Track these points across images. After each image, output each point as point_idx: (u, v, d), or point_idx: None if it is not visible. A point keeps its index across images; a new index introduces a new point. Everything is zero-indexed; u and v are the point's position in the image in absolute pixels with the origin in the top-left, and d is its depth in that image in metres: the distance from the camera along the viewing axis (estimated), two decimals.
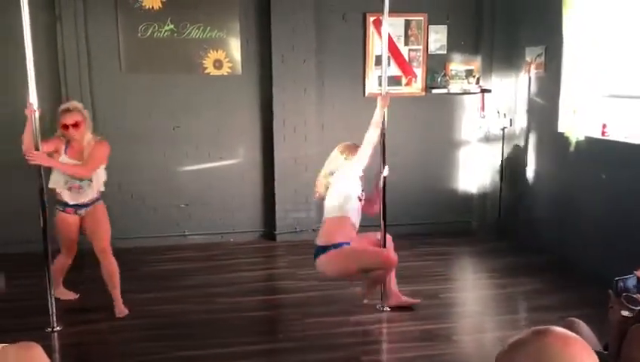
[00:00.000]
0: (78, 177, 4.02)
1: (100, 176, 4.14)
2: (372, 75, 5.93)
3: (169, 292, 4.60)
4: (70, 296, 4.40)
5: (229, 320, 4.12)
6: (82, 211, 4.13)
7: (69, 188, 4.04)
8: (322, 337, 3.88)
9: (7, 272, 1.76)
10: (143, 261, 5.38)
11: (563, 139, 5.06)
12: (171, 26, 5.56)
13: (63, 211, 4.09)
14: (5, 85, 5.22)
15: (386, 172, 4.12)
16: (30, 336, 1.82)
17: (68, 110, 4.03)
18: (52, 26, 5.31)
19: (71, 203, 4.07)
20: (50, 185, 4.01)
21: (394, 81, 5.80)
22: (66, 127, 3.99)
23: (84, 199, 4.10)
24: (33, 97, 3.71)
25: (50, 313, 3.87)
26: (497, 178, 6.19)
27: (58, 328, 3.89)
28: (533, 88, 5.63)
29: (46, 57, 5.19)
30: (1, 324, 1.88)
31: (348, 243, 3.94)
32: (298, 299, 4.51)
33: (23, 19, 3.62)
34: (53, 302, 3.89)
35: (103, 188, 4.20)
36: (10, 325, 2.40)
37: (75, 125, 4.00)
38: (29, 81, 3.68)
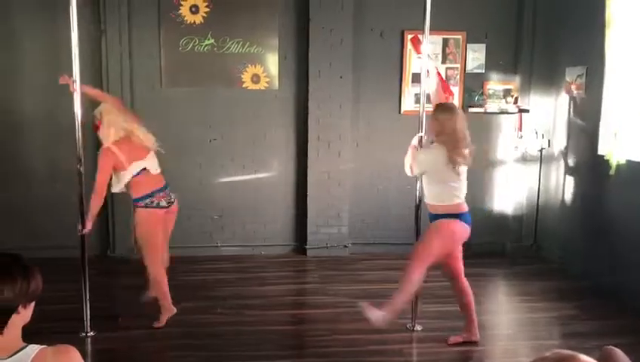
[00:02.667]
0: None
1: (121, 179, 4.01)
2: (408, 92, 5.92)
3: (200, 302, 4.65)
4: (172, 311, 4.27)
5: (258, 333, 4.14)
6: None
7: None
8: (350, 354, 3.85)
9: (44, 276, 1.80)
10: (177, 270, 5.42)
11: (603, 162, 4.94)
12: (211, 41, 5.67)
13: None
14: (51, 92, 5.39)
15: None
16: (64, 340, 1.85)
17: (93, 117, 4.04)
18: (97, 39, 5.49)
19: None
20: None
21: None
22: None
23: None
24: (77, 107, 3.83)
25: (85, 318, 3.96)
26: (534, 200, 6.08)
27: (92, 333, 3.98)
28: (573, 109, 5.53)
29: (90, 69, 5.35)
30: (36, 327, 1.92)
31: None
32: (327, 315, 4.49)
33: (72, 32, 3.75)
34: (88, 307, 3.98)
35: (115, 190, 4.08)
36: (46, 328, 2.47)
37: (96, 127, 4.05)
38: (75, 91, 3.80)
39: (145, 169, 3.99)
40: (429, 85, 4.12)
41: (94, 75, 5.47)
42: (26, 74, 5.55)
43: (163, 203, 4.06)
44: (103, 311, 4.34)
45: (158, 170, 4.10)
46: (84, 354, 1.78)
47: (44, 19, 5.43)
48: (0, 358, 1.69)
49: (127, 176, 3.95)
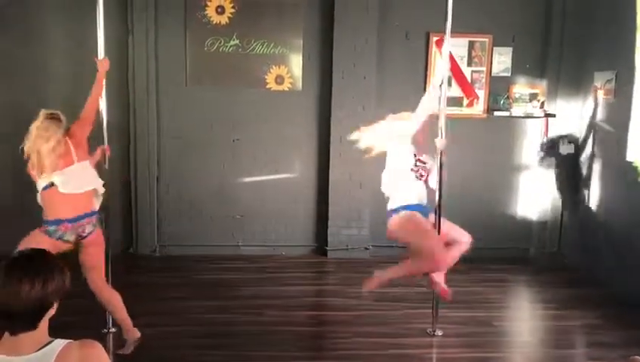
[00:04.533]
0: None
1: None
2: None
3: (220, 302, 4.67)
4: None
5: (277, 333, 4.14)
6: None
7: None
8: (369, 358, 3.84)
9: (70, 272, 1.84)
10: (197, 269, 5.49)
11: (631, 169, 4.84)
12: (237, 41, 5.70)
13: None
14: (80, 91, 5.46)
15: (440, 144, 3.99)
16: (86, 336, 1.87)
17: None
18: (124, 38, 5.56)
19: None
20: None
21: (455, 101, 5.73)
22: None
23: None
24: (102, 104, 3.88)
25: (107, 314, 4.00)
26: (559, 206, 5.99)
27: (113, 329, 4.02)
28: (601, 114, 5.43)
29: (116, 67, 5.39)
30: (60, 321, 1.95)
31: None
32: (347, 317, 4.48)
33: (98, 31, 3.80)
34: None
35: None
36: (69, 323, 2.50)
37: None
38: None
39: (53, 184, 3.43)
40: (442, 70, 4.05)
41: (121, 73, 5.54)
42: (52, 72, 5.64)
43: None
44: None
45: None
46: (105, 351, 1.80)
47: (72, 19, 5.50)
48: (27, 352, 1.72)
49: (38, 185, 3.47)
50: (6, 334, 1.74)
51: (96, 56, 3.84)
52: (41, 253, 1.83)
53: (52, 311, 1.78)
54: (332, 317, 4.58)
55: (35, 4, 5.53)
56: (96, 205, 3.67)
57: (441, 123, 4.00)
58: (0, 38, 5.50)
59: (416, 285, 5.03)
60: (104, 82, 3.83)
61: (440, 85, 3.97)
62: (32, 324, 1.73)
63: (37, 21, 5.57)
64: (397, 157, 4.09)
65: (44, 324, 1.77)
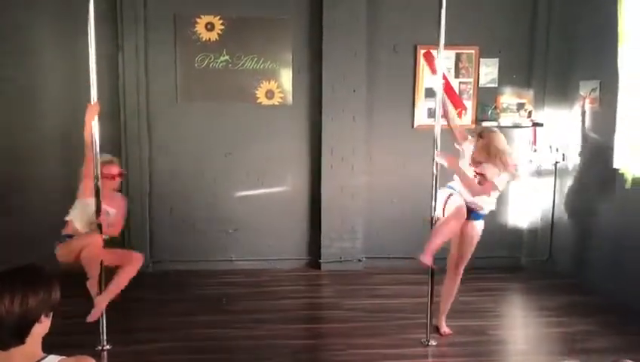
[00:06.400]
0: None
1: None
2: (421, 106, 5.94)
3: (215, 316, 4.66)
4: None
5: (272, 347, 4.13)
6: None
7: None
8: None
9: (63, 289, 1.85)
10: (192, 284, 5.47)
11: (618, 176, 4.91)
12: (227, 57, 5.75)
13: None
14: (71, 109, 5.48)
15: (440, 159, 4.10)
16: (81, 353, 1.88)
17: (111, 161, 4.17)
18: (114, 55, 5.57)
19: None
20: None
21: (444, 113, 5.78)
22: (114, 177, 4.11)
23: None
24: (94, 122, 3.88)
25: (101, 331, 3.98)
26: (549, 214, 6.04)
27: (108, 347, 4.00)
28: (588, 123, 5.52)
29: (107, 84, 5.42)
30: (53, 339, 1.95)
31: None
32: (342, 329, 4.48)
33: (90, 48, 3.81)
34: (104, 321, 4.00)
35: None
36: (63, 341, 2.48)
37: (120, 175, 4.18)
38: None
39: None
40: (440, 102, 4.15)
41: (111, 90, 5.56)
42: (44, 90, 5.64)
43: None
44: (119, 324, 4.36)
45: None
46: None
47: (63, 36, 5.52)
48: None
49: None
50: None
51: (90, 103, 3.85)
52: (25, 267, 1.82)
53: (43, 325, 1.78)
54: (327, 330, 4.58)
55: (25, 22, 5.54)
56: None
57: (436, 134, 4.06)
58: None
59: (410, 296, 5.06)
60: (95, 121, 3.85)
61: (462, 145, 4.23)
62: (18, 338, 1.73)
63: (27, 39, 5.57)
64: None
65: (35, 339, 1.77)
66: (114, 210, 4.08)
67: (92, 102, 3.83)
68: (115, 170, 4.15)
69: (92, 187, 3.87)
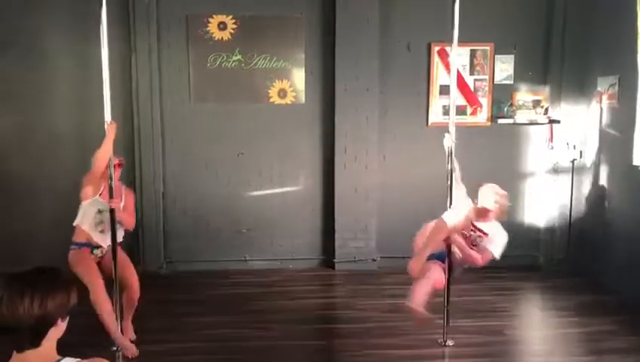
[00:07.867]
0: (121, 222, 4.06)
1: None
2: (436, 104, 5.88)
3: (228, 317, 4.65)
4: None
5: (287, 348, 4.11)
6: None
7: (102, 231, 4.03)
8: None
9: (79, 291, 1.84)
10: (205, 284, 5.47)
11: (637, 173, 4.82)
12: (239, 57, 5.74)
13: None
14: (83, 109, 5.52)
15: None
16: (96, 354, 1.87)
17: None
18: (127, 56, 5.59)
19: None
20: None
21: (459, 110, 5.70)
22: (114, 166, 4.02)
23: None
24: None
25: None
26: (566, 212, 5.95)
27: None
28: (606, 119, 5.42)
29: (120, 85, 5.45)
30: (70, 340, 1.94)
31: None
32: (357, 330, 4.44)
33: (102, 50, 3.81)
34: (120, 324, 4.00)
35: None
36: (79, 341, 2.48)
37: (120, 164, 4.13)
38: (105, 106, 3.84)
39: None
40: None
41: (125, 91, 5.58)
42: (57, 92, 5.68)
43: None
44: (133, 324, 4.36)
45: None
46: None
47: (76, 39, 5.54)
48: None
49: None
50: (14, 352, 1.73)
51: (108, 122, 3.85)
52: (46, 269, 1.81)
53: (59, 329, 1.77)
54: (341, 330, 4.55)
55: (38, 24, 5.57)
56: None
57: (451, 128, 4.02)
58: (4, 61, 5.55)
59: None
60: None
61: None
62: (35, 340, 1.72)
63: (41, 41, 5.60)
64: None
65: (51, 342, 1.76)
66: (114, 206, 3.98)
67: (108, 122, 3.83)
68: (114, 160, 4.10)
69: (92, 194, 3.96)
